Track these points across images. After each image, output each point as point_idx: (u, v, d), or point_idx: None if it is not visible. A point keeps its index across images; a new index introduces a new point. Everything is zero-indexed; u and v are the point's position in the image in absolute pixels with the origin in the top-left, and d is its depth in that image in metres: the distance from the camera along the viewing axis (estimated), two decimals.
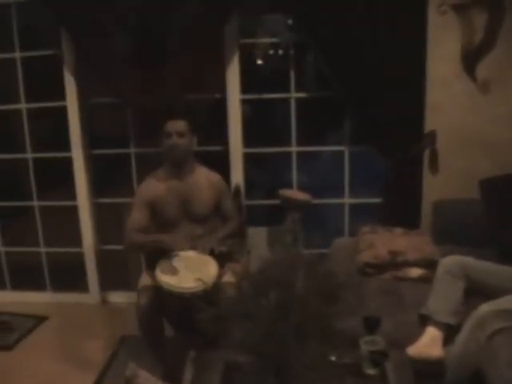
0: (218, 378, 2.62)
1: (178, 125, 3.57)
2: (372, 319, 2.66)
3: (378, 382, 2.51)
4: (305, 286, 1.88)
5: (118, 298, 4.98)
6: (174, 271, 3.34)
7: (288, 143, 4.50)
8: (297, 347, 1.81)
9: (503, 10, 3.87)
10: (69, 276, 5.12)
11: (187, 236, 3.52)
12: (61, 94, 4.57)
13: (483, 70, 3.99)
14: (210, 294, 3.24)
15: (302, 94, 4.41)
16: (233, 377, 2.60)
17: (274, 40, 4.44)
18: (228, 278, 3.46)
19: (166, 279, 3.28)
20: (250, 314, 1.88)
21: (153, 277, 3.40)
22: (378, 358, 2.51)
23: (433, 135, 4.08)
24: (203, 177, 3.72)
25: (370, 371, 2.55)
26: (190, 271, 3.34)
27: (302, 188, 4.45)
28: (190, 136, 3.62)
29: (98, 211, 4.89)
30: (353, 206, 4.54)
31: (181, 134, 3.56)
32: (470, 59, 3.98)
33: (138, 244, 3.63)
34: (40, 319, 4.69)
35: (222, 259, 3.52)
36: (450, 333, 3.05)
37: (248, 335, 1.84)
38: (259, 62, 5.30)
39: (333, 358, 2.55)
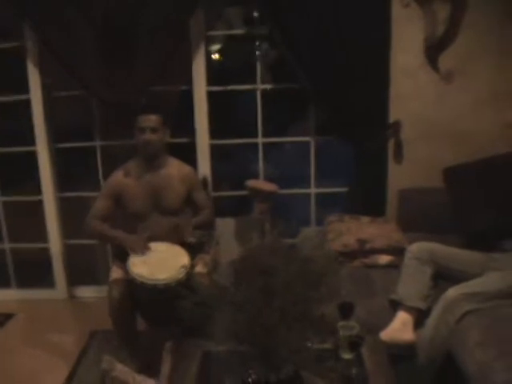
0: (196, 367, 2.63)
1: (151, 120, 3.56)
2: (346, 305, 2.70)
3: (355, 366, 2.54)
4: (287, 271, 1.91)
5: (85, 292, 4.95)
6: (146, 263, 3.35)
7: (254, 134, 4.53)
8: (282, 332, 1.84)
9: (465, 2, 3.95)
10: (34, 272, 5.07)
11: (143, 237, 3.52)
12: (23, 87, 4.52)
13: (446, 60, 4.07)
14: (183, 285, 3.26)
15: (267, 86, 4.45)
16: (210, 365, 2.63)
17: (239, 32, 4.45)
18: (200, 268, 3.48)
19: (138, 271, 3.28)
20: (234, 301, 1.90)
21: (124, 269, 3.40)
22: (355, 342, 2.55)
23: (397, 125, 4.16)
24: (175, 169, 3.73)
25: (347, 356, 2.59)
26: (162, 262, 3.36)
27: (268, 179, 4.48)
28: (162, 130, 3.62)
29: (64, 205, 4.84)
30: (319, 196, 4.59)
31: (154, 130, 3.56)
32: (433, 50, 4.07)
33: (96, 232, 3.68)
34: (6, 317, 4.62)
35: (193, 250, 3.54)
36: (420, 316, 3.12)
37: (233, 322, 1.86)
38: (219, 54, 5.31)
39: (309, 344, 2.59)
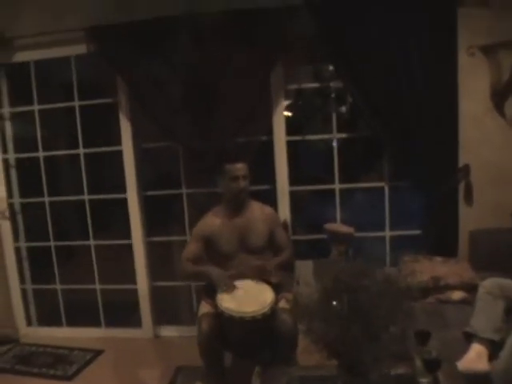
0: None
1: (242, 168, 3.84)
2: (422, 333, 2.88)
3: None
4: (373, 291, 2.14)
5: (170, 332, 5.20)
6: (234, 298, 3.60)
7: (331, 181, 4.75)
8: (367, 343, 2.07)
9: None
10: (122, 312, 5.37)
11: (229, 273, 3.77)
12: (113, 139, 4.93)
13: None
14: (268, 318, 3.50)
15: (343, 135, 4.69)
16: None
17: (316, 85, 4.73)
18: (283, 304, 3.69)
19: (227, 305, 3.53)
20: (325, 316, 2.14)
21: (212, 305, 3.66)
22: (432, 365, 2.71)
23: (467, 169, 4.34)
24: (258, 211, 4.00)
25: (424, 380, 2.74)
26: (249, 297, 3.61)
27: (345, 223, 4.65)
28: (249, 176, 3.90)
29: (151, 249, 5.13)
30: (393, 238, 4.77)
31: (245, 177, 3.85)
32: (499, 97, 4.26)
33: (189, 273, 3.92)
34: (96, 353, 4.91)
35: (275, 289, 3.75)
36: (494, 348, 3.24)
37: (325, 335, 2.09)
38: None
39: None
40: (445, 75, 4.21)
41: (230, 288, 3.66)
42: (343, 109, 4.64)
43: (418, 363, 2.75)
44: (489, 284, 3.51)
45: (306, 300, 2.31)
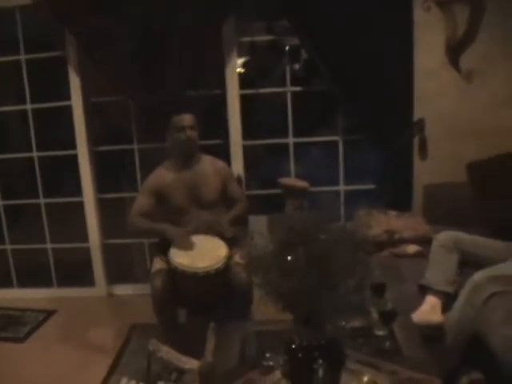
0: (238, 345, 2.79)
1: (189, 119, 3.79)
2: (378, 285, 2.87)
3: (388, 342, 2.70)
4: (326, 241, 2.12)
5: (123, 290, 5.14)
6: (187, 253, 3.56)
7: (285, 135, 4.72)
8: (324, 293, 2.05)
9: (483, 5, 4.14)
10: (74, 271, 5.29)
11: (187, 231, 3.73)
12: (62, 94, 4.78)
13: (467, 61, 4.25)
14: (222, 274, 3.47)
15: (297, 88, 4.63)
16: (252, 344, 2.80)
17: (270, 38, 4.66)
18: (237, 259, 3.66)
19: (180, 260, 3.50)
20: (280, 267, 2.11)
21: (166, 261, 3.61)
22: (387, 316, 2.71)
23: (421, 123, 4.33)
24: (209, 165, 3.94)
25: (380, 332, 2.75)
26: (202, 253, 3.57)
27: (299, 177, 4.63)
28: (197, 128, 3.83)
29: (103, 206, 5.05)
30: (348, 193, 4.77)
31: (192, 127, 3.79)
32: (454, 51, 4.25)
33: (141, 229, 3.91)
34: (49, 313, 4.82)
35: (230, 243, 3.73)
36: (448, 301, 3.28)
37: (280, 286, 2.05)
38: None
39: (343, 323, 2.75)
40: (400, 30, 4.18)
41: (187, 244, 3.62)
42: (297, 66, 4.57)
43: (374, 316, 2.76)
44: (443, 237, 3.54)
45: (261, 252, 2.26)
